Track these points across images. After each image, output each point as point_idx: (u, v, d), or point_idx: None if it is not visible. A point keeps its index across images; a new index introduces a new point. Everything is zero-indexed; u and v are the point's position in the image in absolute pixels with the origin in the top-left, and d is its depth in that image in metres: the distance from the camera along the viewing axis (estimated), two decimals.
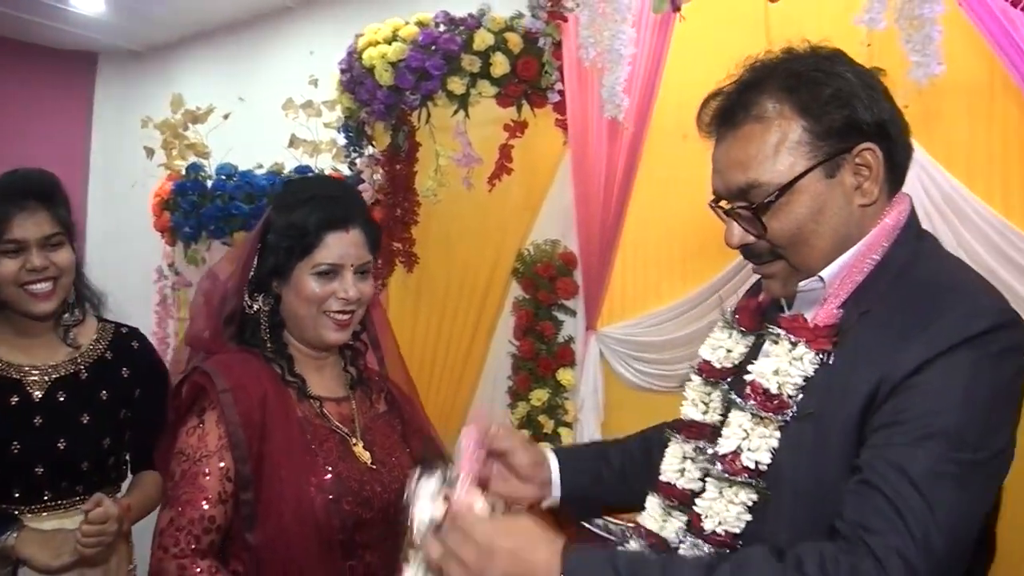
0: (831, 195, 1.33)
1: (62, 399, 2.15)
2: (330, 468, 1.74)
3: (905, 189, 2.63)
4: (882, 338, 1.26)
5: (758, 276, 1.48)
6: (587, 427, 3.41)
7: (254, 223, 3.69)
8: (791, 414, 1.32)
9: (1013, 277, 2.69)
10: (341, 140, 3.99)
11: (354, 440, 1.83)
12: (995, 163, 2.80)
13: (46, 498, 2.12)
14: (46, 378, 2.16)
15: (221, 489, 1.68)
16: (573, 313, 3.54)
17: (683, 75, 3.02)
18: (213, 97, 4.27)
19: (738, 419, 1.37)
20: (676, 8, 2.44)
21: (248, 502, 1.67)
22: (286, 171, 4.01)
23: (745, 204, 1.37)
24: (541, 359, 3.48)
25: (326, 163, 4.07)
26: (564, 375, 3.48)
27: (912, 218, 1.38)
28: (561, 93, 3.17)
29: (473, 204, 3.49)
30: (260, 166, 4.01)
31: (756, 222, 1.35)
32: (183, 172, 4.08)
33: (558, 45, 3.18)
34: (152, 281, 4.24)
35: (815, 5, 2.93)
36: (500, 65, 3.28)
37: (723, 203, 1.43)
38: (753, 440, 1.34)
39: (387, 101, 3.46)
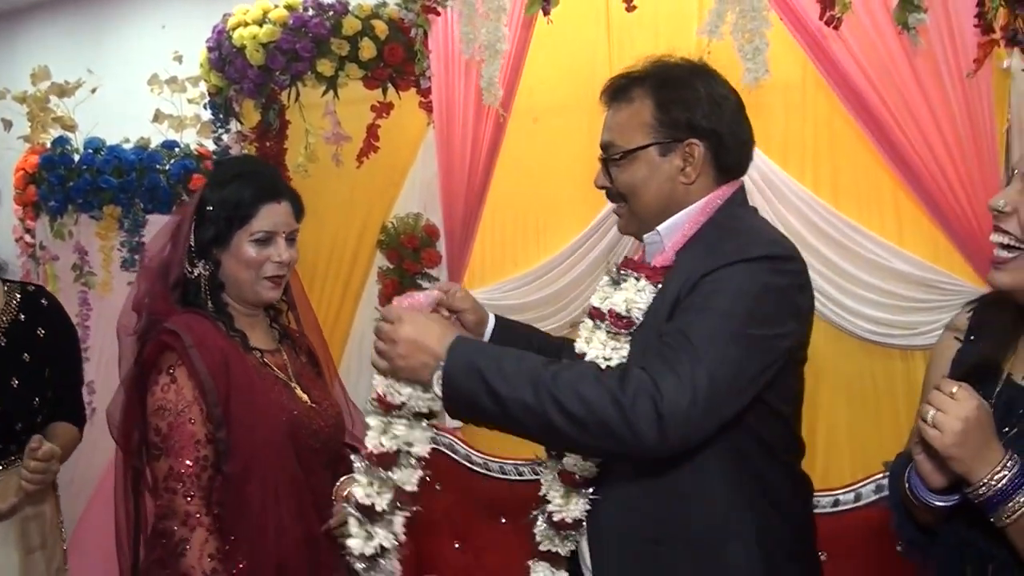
0: (660, 169, 1.81)
1: None
2: (284, 407, 2.01)
3: None
4: (691, 260, 1.73)
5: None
6: None
7: (123, 197, 3.86)
8: (635, 328, 1.76)
9: (820, 243, 3.13)
10: (205, 116, 4.11)
11: (293, 384, 2.11)
12: (807, 149, 3.23)
13: None
14: None
15: (207, 431, 1.93)
16: (436, 280, 3.80)
17: (536, 68, 3.34)
18: (59, 68, 4.25)
19: (600, 336, 1.79)
20: (546, 12, 2.73)
21: (222, 439, 1.93)
22: (152, 145, 4.09)
23: (605, 156, 1.86)
24: None
25: (191, 138, 4.17)
26: None
27: (738, 195, 1.87)
28: (430, 79, 3.40)
29: (341, 179, 3.70)
30: (127, 140, 4.07)
31: (607, 171, 1.86)
32: (47, 146, 4.12)
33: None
34: (16, 255, 4.23)
35: (651, 17, 3.30)
36: (368, 50, 3.49)
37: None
38: (607, 350, 1.76)
39: (257, 80, 3.62)
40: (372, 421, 1.71)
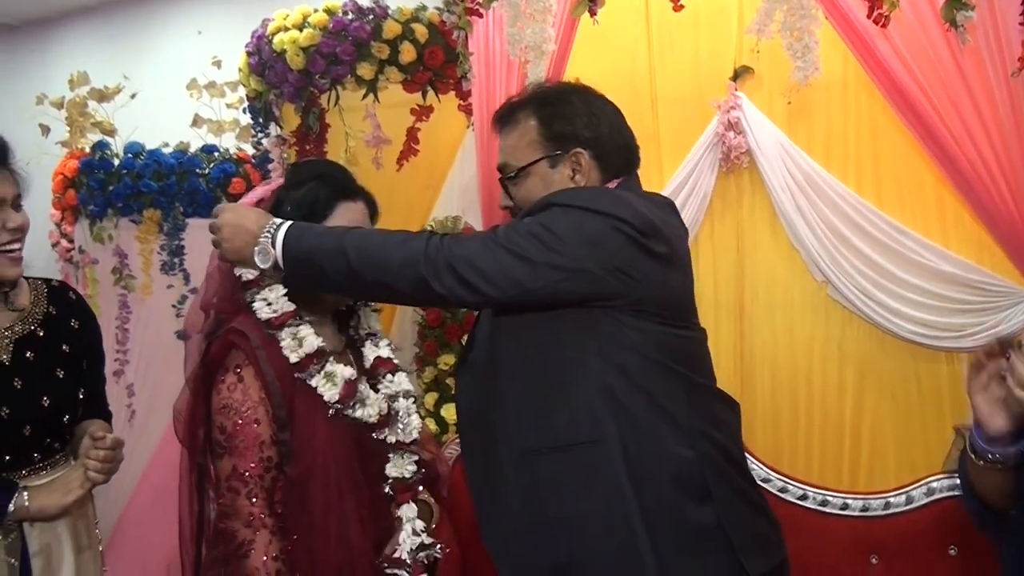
0: (553, 179, 1.93)
1: (31, 358, 2.18)
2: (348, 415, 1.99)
3: (772, 172, 3.08)
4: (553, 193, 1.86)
5: None
6: None
7: (163, 200, 3.88)
8: None
9: (863, 243, 3.13)
10: (244, 120, 4.14)
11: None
12: (850, 149, 3.24)
13: (36, 457, 2.17)
14: (6, 341, 2.16)
15: (271, 432, 1.91)
16: None
17: (578, 69, 3.34)
18: (96, 74, 4.28)
19: None
20: (592, 13, 2.74)
21: (286, 441, 1.91)
22: (192, 150, 4.11)
23: (501, 177, 1.98)
24: (448, 327, 3.73)
25: (230, 142, 4.20)
26: None
27: (624, 182, 1.96)
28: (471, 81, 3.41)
29: (381, 183, 3.69)
30: (166, 144, 4.10)
31: (507, 190, 1.98)
32: (86, 150, 4.15)
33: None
34: (55, 260, 4.27)
35: (692, 17, 3.30)
36: (408, 53, 3.50)
37: None
38: None
39: (297, 84, 3.63)
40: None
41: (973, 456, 1.72)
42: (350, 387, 1.96)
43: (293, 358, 1.92)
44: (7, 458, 2.11)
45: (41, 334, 2.23)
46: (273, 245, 1.78)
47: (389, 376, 2.14)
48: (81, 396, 2.27)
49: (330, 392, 1.93)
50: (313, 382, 1.93)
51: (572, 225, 1.74)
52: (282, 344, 1.93)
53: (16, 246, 2.12)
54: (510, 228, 1.76)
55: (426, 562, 2.07)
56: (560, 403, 1.78)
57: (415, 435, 2.09)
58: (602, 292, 1.75)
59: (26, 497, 2.07)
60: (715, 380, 1.96)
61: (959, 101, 2.77)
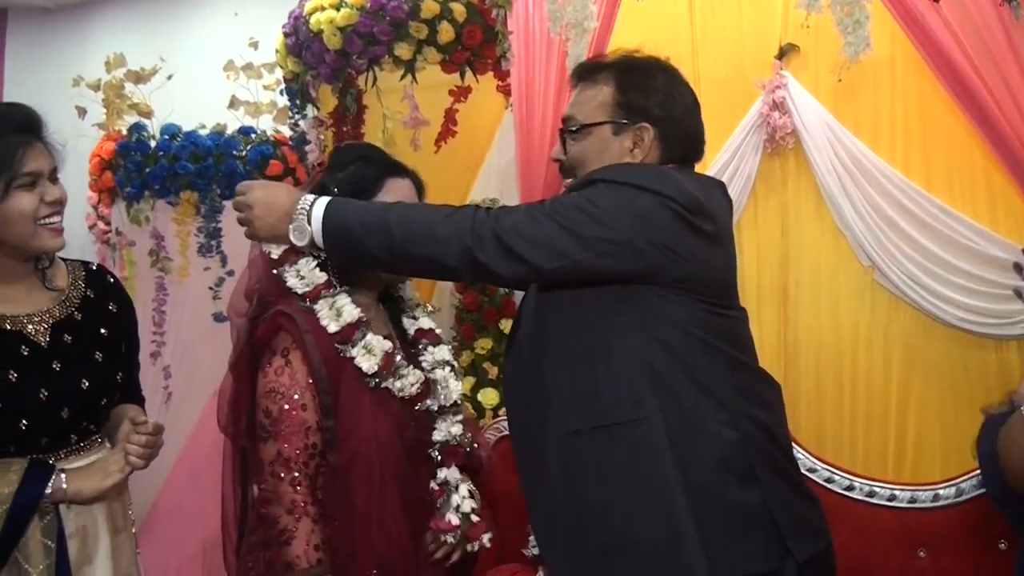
0: (611, 146, 1.91)
1: (70, 341, 2.14)
2: (394, 396, 1.97)
3: (818, 154, 3.02)
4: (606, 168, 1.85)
5: None
6: None
7: (200, 182, 3.86)
8: None
9: (911, 227, 3.06)
10: (281, 102, 4.11)
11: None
12: (897, 130, 3.16)
13: (73, 439, 2.14)
14: (44, 325, 2.12)
15: (317, 418, 1.89)
16: None
17: (623, 44, 3.27)
18: (132, 56, 4.27)
19: None
20: None
21: (330, 428, 1.90)
22: (229, 131, 4.10)
23: (563, 127, 1.97)
24: (485, 311, 3.70)
25: (267, 124, 4.18)
26: (507, 324, 3.70)
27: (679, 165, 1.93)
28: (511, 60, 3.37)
29: (418, 164, 3.63)
30: (203, 126, 4.09)
31: (564, 141, 1.97)
32: (123, 132, 4.14)
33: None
34: (91, 242, 4.27)
35: None
36: (446, 33, 3.44)
37: None
38: None
39: (334, 65, 3.59)
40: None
41: None
42: (389, 359, 1.94)
43: (332, 328, 1.91)
44: (44, 440, 2.08)
45: (79, 317, 2.19)
46: (309, 221, 1.78)
47: (431, 348, 2.12)
48: (119, 380, 2.24)
49: (368, 363, 1.91)
50: (352, 352, 1.91)
51: (620, 201, 1.72)
52: (319, 315, 1.92)
53: (57, 219, 2.09)
54: (557, 201, 1.75)
55: (470, 549, 2.05)
56: (603, 381, 1.75)
57: (455, 397, 2.09)
58: (647, 268, 1.73)
59: (63, 479, 2.04)
60: (757, 360, 1.92)
61: (1011, 78, 2.70)
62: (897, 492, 2.64)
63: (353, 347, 1.91)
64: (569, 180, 1.97)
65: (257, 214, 1.82)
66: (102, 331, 2.23)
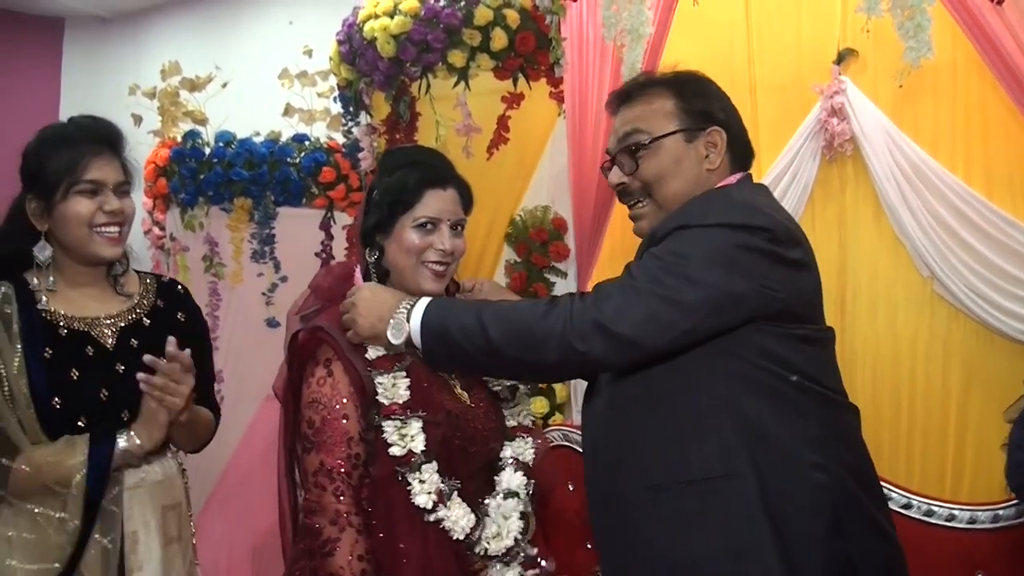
0: (687, 154, 1.86)
1: (135, 345, 2.20)
2: (440, 407, 1.94)
3: (877, 161, 2.95)
4: (673, 214, 1.79)
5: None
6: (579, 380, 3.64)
7: (255, 189, 3.91)
8: None
9: (972, 237, 2.99)
10: (334, 109, 4.14)
11: (453, 382, 2.03)
12: (958, 137, 3.09)
13: None
14: (113, 328, 2.20)
15: (361, 428, 1.89)
16: (564, 275, 3.75)
17: (675, 53, 3.25)
18: (187, 65, 4.31)
19: None
20: None
21: (370, 441, 1.89)
22: (283, 139, 4.13)
23: (627, 145, 1.88)
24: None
25: (321, 131, 4.21)
26: None
27: (747, 179, 1.92)
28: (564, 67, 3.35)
29: (470, 171, 3.63)
30: (257, 133, 4.13)
31: (632, 160, 1.87)
32: (178, 140, 4.19)
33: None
34: (146, 248, 4.32)
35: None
36: (500, 39, 3.45)
37: (608, 164, 1.96)
38: None
39: (388, 72, 3.61)
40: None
41: None
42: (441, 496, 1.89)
43: (395, 451, 1.87)
44: None
45: (147, 323, 2.27)
46: (408, 321, 1.81)
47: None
48: None
49: (423, 499, 1.87)
50: (408, 477, 1.88)
51: (708, 249, 1.67)
52: (385, 430, 1.89)
53: (113, 229, 2.17)
54: (645, 267, 1.69)
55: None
56: (688, 433, 1.70)
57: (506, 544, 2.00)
58: (750, 313, 1.68)
59: (125, 437, 2.09)
60: (842, 384, 1.86)
61: None
62: (956, 512, 2.56)
63: (410, 472, 1.88)
64: (641, 201, 1.90)
65: (361, 311, 1.86)
66: (168, 338, 2.22)
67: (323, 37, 4.05)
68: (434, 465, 1.87)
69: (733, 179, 1.89)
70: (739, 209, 1.72)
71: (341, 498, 1.84)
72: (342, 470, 1.86)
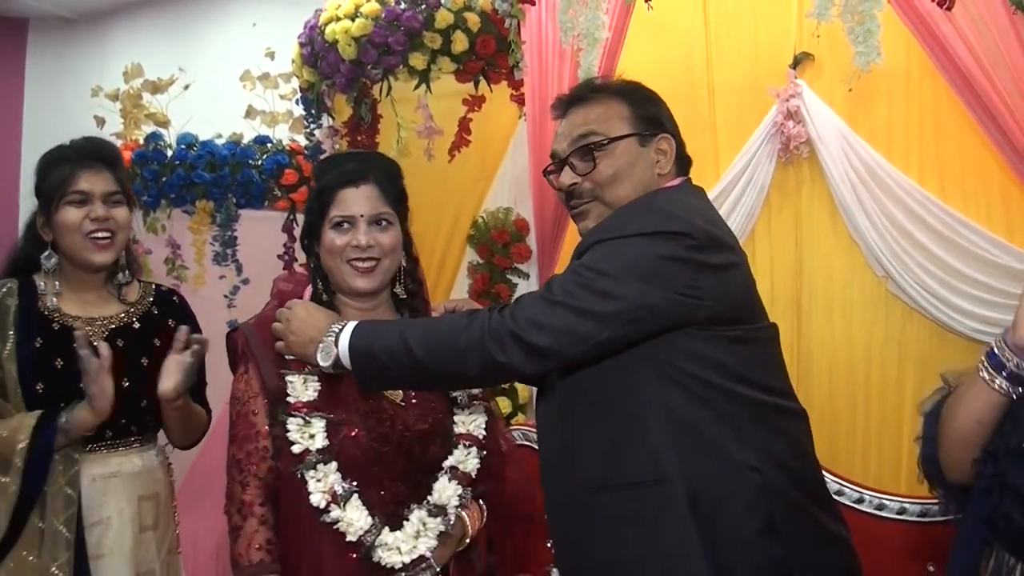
0: (640, 158, 1.89)
1: (121, 344, 2.37)
2: (354, 406, 1.98)
3: (832, 163, 3.00)
4: (599, 226, 1.84)
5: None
6: None
7: (216, 191, 3.90)
8: None
9: (926, 237, 3.04)
10: (297, 111, 4.14)
11: None
12: (912, 139, 3.14)
13: (108, 435, 2.32)
14: (104, 328, 2.37)
15: (268, 424, 1.97)
16: (527, 276, 3.77)
17: (633, 57, 3.28)
18: (150, 66, 4.29)
19: None
20: None
21: (278, 436, 1.96)
22: (245, 141, 4.12)
23: (583, 146, 1.89)
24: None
25: (283, 134, 4.20)
26: None
27: (686, 183, 1.95)
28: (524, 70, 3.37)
29: (432, 174, 3.69)
30: (219, 136, 4.12)
31: (590, 160, 1.88)
32: (140, 142, 4.17)
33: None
34: None
35: (750, 4, 3.30)
36: (460, 43, 3.46)
37: (553, 167, 2.00)
38: None
39: (349, 75, 3.61)
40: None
41: (987, 372, 1.75)
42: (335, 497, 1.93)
43: (295, 448, 1.92)
44: None
45: (137, 326, 2.44)
46: (337, 344, 1.83)
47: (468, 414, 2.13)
48: None
49: (317, 497, 1.91)
50: (305, 475, 1.92)
51: (625, 261, 1.69)
52: (289, 428, 1.94)
53: (102, 235, 2.33)
54: (563, 281, 1.72)
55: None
56: (623, 437, 1.72)
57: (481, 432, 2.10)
58: (669, 322, 1.70)
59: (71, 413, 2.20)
60: (787, 380, 1.88)
61: None
62: (907, 505, 2.60)
63: (306, 470, 1.92)
64: (588, 202, 1.91)
65: (293, 329, 1.91)
66: (155, 341, 2.45)
67: (286, 39, 4.05)
68: (333, 466, 1.92)
69: (675, 181, 1.93)
70: (659, 216, 1.74)
71: (246, 488, 1.94)
72: (249, 462, 1.95)
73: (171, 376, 2.22)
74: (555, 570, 1.99)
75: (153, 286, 2.57)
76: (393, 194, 2.08)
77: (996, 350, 1.76)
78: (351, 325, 1.84)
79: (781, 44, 3.29)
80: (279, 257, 4.12)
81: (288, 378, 1.96)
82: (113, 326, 2.40)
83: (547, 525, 1.91)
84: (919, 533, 2.56)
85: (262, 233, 4.10)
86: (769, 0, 3.31)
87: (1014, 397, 1.72)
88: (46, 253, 2.35)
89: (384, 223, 2.04)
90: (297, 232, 4.08)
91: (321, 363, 1.85)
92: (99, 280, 2.43)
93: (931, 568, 2.52)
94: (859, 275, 3.22)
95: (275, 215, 4.15)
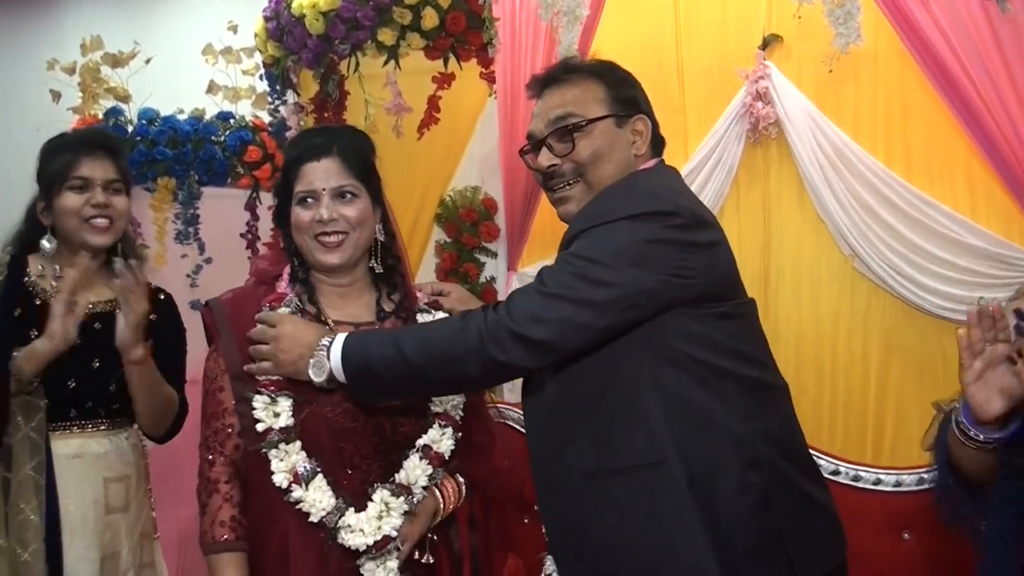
0: (618, 138, 1.91)
1: (98, 327, 2.38)
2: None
3: (800, 143, 3.04)
4: (583, 212, 1.83)
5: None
6: None
7: (178, 168, 3.84)
8: None
9: (892, 217, 3.10)
10: (260, 87, 4.08)
11: None
12: (879, 121, 3.20)
13: (72, 414, 2.35)
14: (86, 310, 2.37)
15: (236, 399, 1.94)
16: (494, 255, 3.77)
17: (606, 36, 3.30)
18: (107, 40, 4.19)
19: None
20: None
21: (244, 414, 1.92)
22: (207, 117, 4.06)
23: (563, 127, 1.89)
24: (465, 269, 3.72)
25: (246, 110, 4.14)
26: None
27: (659, 164, 1.97)
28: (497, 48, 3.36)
29: (401, 152, 3.67)
30: (181, 111, 4.04)
31: (569, 141, 1.89)
32: (100, 117, 4.08)
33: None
34: None
35: None
36: (430, 19, 3.43)
37: (530, 147, 1.98)
38: None
39: (316, 50, 3.58)
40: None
41: (962, 439, 1.74)
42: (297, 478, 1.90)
43: (259, 427, 1.89)
44: (45, 402, 2.28)
45: (118, 313, 2.36)
46: (329, 357, 1.79)
47: None
48: None
49: (280, 477, 1.88)
50: (269, 454, 1.89)
51: (615, 246, 1.70)
52: (255, 406, 1.90)
53: (101, 220, 2.38)
54: (556, 273, 1.73)
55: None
56: (618, 425, 1.74)
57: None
58: (665, 304, 1.72)
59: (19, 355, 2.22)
60: (771, 354, 1.91)
61: (995, 71, 2.77)
62: (882, 476, 2.67)
63: (268, 448, 1.89)
64: (571, 183, 1.91)
65: (282, 347, 1.85)
66: None
67: (248, 12, 4.00)
68: (296, 445, 1.89)
69: (650, 165, 1.95)
70: (643, 198, 1.77)
71: (213, 466, 1.93)
72: (215, 440, 1.94)
73: (119, 321, 2.23)
74: (549, 557, 1.97)
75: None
76: (358, 165, 2.01)
77: (959, 426, 1.75)
78: (340, 337, 1.81)
79: (750, 26, 3.32)
80: (242, 235, 4.08)
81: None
82: (96, 311, 2.42)
83: (538, 512, 1.93)
84: (895, 503, 2.63)
85: (225, 211, 4.05)
86: None
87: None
88: (47, 236, 2.40)
89: (348, 195, 1.98)
90: (260, 211, 4.10)
91: (315, 379, 1.82)
92: (95, 266, 2.44)
93: (907, 536, 2.59)
94: (826, 253, 3.28)
95: (238, 193, 4.09)
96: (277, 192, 2.06)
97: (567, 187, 1.92)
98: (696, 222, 1.75)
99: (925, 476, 2.62)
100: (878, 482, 2.67)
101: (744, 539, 1.69)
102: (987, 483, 1.81)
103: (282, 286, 2.03)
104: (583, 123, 1.89)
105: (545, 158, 1.93)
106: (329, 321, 2.00)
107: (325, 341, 1.81)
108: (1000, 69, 2.75)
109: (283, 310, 1.96)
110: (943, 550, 2.53)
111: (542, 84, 1.99)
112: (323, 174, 1.97)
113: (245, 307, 1.99)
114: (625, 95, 1.94)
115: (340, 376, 1.79)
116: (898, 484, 2.64)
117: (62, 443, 2.32)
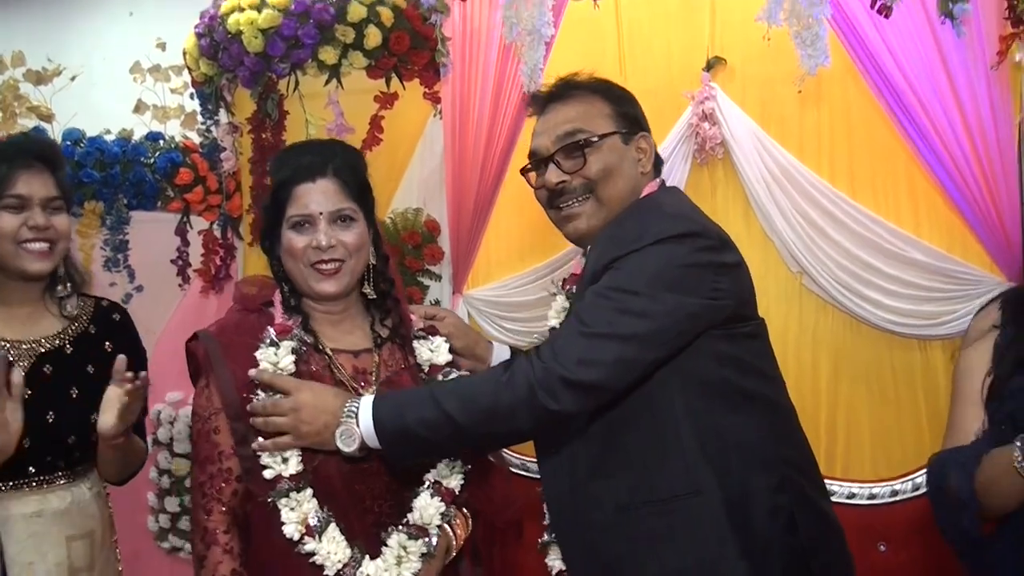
0: (626, 155, 1.92)
1: (48, 372, 2.17)
2: None
3: (746, 163, 3.12)
4: (608, 239, 1.81)
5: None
6: None
7: (106, 192, 3.68)
8: None
9: (838, 233, 3.15)
10: (189, 106, 3.96)
11: (365, 392, 1.88)
12: (823, 140, 3.25)
13: (31, 471, 2.12)
14: (31, 354, 2.16)
15: (233, 442, 1.80)
16: (439, 278, 3.71)
17: (556, 53, 3.29)
18: (27, 56, 4.01)
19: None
20: None
21: (246, 456, 1.79)
22: (136, 138, 3.91)
23: (572, 143, 1.89)
24: None
25: (175, 130, 4.02)
26: None
27: (667, 185, 2.00)
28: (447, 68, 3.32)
29: None
30: (108, 132, 3.89)
31: (579, 157, 1.89)
32: None
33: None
34: None
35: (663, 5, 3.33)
36: (374, 37, 3.39)
37: (532, 165, 2.00)
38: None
39: (254, 68, 3.49)
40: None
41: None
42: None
43: (267, 474, 1.77)
44: None
45: (69, 351, 2.21)
46: (358, 424, 1.71)
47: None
48: (93, 419, 2.12)
49: (290, 528, 1.76)
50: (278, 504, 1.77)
51: (649, 275, 1.68)
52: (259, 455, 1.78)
53: (40, 244, 2.14)
54: (593, 311, 1.69)
55: None
56: (652, 457, 1.72)
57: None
58: (704, 327, 1.71)
59: None
60: (780, 373, 1.92)
61: (942, 92, 2.86)
62: (856, 489, 2.71)
63: (277, 498, 1.77)
64: (582, 199, 1.90)
65: (303, 418, 1.73)
66: (88, 368, 2.22)
67: (176, 30, 3.87)
68: (308, 492, 1.77)
69: (655, 185, 1.95)
70: (669, 221, 1.76)
71: (209, 516, 1.79)
72: (212, 487, 1.79)
73: (110, 411, 1.99)
74: None
75: (93, 300, 2.35)
76: (356, 187, 1.93)
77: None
78: (367, 401, 1.73)
79: (694, 47, 3.34)
80: (172, 262, 3.94)
81: (257, 399, 1.79)
82: (42, 351, 2.18)
83: (556, 544, 1.90)
84: (869, 515, 2.67)
85: (155, 236, 3.91)
86: (682, 4, 3.37)
87: None
88: None
89: (347, 220, 1.89)
90: (191, 236, 3.96)
91: (344, 449, 1.72)
92: (35, 293, 2.23)
93: (882, 547, 2.62)
94: (773, 271, 3.30)
95: (168, 217, 3.97)
96: (265, 212, 1.93)
97: (576, 204, 1.91)
98: (722, 243, 1.77)
99: (898, 488, 2.67)
100: (852, 496, 2.74)
101: (778, 562, 1.70)
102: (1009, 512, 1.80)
103: (278, 315, 1.91)
104: (594, 139, 1.89)
105: (554, 175, 1.91)
106: (327, 351, 1.90)
107: (351, 407, 1.73)
108: (947, 90, 2.85)
109: (287, 343, 1.84)
110: (918, 560, 2.59)
111: (544, 101, 1.99)
112: (320, 197, 1.87)
113: (238, 339, 1.86)
114: (629, 112, 1.97)
115: (373, 443, 1.71)
116: (872, 497, 2.69)
117: (18, 502, 2.11)
